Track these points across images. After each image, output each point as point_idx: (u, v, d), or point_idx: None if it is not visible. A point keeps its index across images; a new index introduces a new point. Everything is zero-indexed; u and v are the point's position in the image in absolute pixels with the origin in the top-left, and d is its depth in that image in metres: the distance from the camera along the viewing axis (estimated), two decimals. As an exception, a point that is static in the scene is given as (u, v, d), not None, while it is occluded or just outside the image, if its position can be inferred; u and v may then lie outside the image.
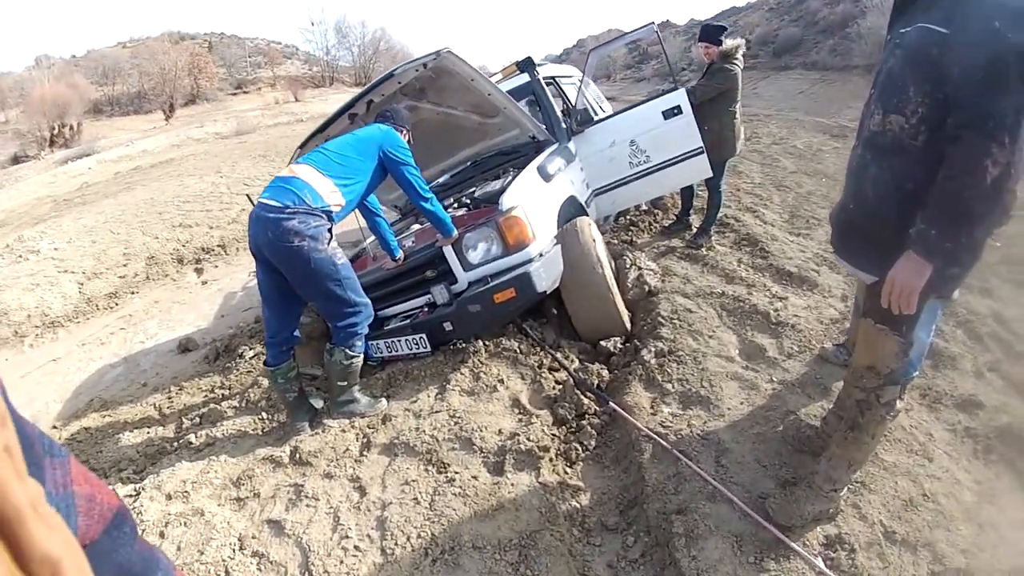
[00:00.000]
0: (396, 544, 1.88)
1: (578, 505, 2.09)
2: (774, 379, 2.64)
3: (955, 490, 2.07)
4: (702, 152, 4.02)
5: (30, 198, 11.06)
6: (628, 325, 3.25)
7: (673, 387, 2.62)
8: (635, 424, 2.32)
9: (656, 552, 1.89)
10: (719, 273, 3.89)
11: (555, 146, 3.75)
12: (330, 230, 2.54)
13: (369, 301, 2.71)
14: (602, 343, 3.13)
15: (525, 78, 4.25)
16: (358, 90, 3.35)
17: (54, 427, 3.64)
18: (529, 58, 4.12)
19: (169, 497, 2.37)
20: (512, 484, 2.08)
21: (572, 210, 3.53)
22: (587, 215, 3.69)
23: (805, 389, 2.55)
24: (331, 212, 2.54)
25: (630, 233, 5.03)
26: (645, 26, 4.18)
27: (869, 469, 2.12)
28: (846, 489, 2.00)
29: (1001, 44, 1.29)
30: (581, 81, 4.28)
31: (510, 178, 3.22)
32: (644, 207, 5.73)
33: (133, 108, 25.95)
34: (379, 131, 2.79)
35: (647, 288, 3.54)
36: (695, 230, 4.63)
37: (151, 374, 4.16)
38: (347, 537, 1.94)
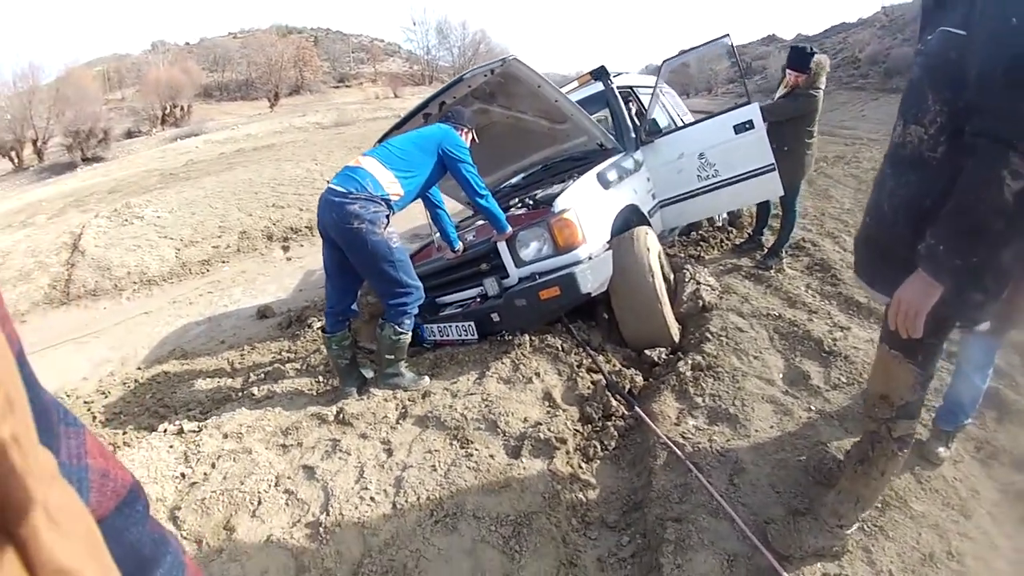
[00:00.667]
0: (407, 501, 2.08)
1: (584, 499, 2.20)
2: (812, 408, 2.60)
3: (988, 555, 1.95)
4: (773, 169, 3.97)
5: (140, 170, 12.38)
6: (676, 337, 3.30)
7: (704, 401, 2.65)
8: (654, 430, 2.40)
9: (646, 555, 1.96)
10: (782, 296, 3.86)
11: (621, 155, 3.87)
12: (388, 216, 2.83)
13: (420, 284, 2.97)
14: (647, 352, 3.19)
15: (599, 86, 4.40)
16: None
17: (138, 368, 4.16)
18: (603, 67, 4.27)
19: (226, 436, 2.71)
20: (524, 468, 2.22)
21: (633, 218, 3.63)
22: (649, 224, 3.78)
23: (843, 422, 2.50)
24: (390, 200, 2.82)
25: (700, 248, 5.05)
26: (720, 38, 4.21)
27: (894, 515, 2.06)
28: (857, 529, 1.94)
29: (1020, 42, 1.20)
30: (653, 91, 4.36)
31: (570, 182, 3.38)
32: (719, 223, 5.71)
33: (240, 95, 28.33)
34: (440, 130, 3.05)
35: (701, 303, 3.57)
36: (766, 250, 4.59)
37: (229, 333, 4.64)
38: (366, 489, 2.17)
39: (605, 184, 3.39)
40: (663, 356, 3.17)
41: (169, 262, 6.52)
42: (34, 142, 18.16)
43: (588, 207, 3.15)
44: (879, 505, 2.07)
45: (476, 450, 2.30)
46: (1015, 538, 2.05)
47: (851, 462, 1.85)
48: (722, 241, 5.16)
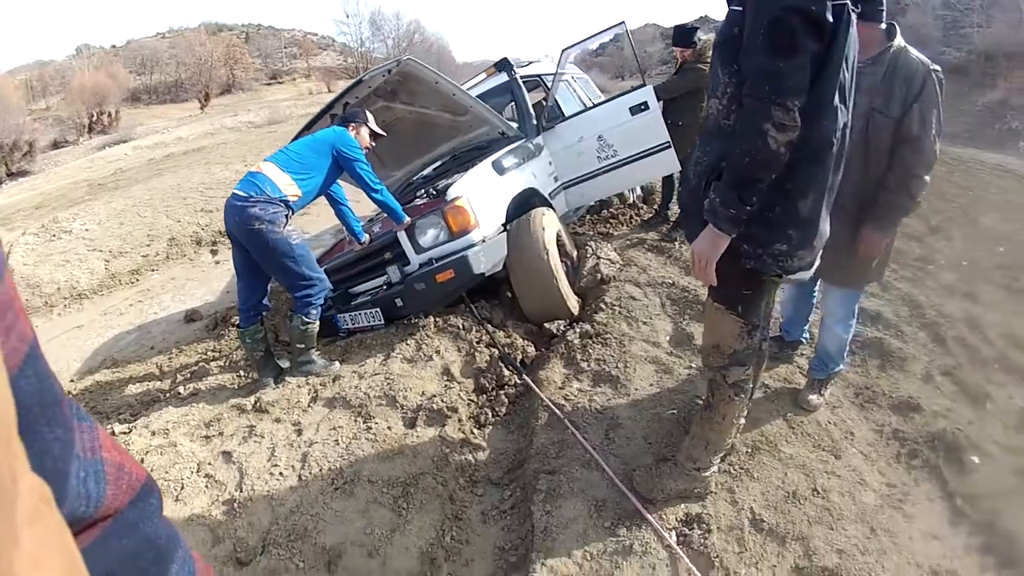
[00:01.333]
0: (311, 474, 2.37)
1: (472, 460, 2.51)
2: (693, 366, 2.89)
3: (856, 490, 2.13)
4: (669, 147, 4.31)
5: (67, 182, 12.14)
6: (575, 310, 3.60)
7: (589, 366, 2.96)
8: (538, 394, 2.73)
9: (522, 506, 2.23)
10: (680, 265, 4.25)
11: (521, 141, 4.18)
12: (287, 216, 3.08)
13: (324, 276, 3.23)
14: (546, 325, 3.51)
15: (505, 77, 4.71)
16: None
17: (71, 381, 4.30)
18: (506, 59, 4.58)
19: (153, 433, 2.94)
20: (418, 436, 2.54)
21: (534, 200, 3.94)
22: (551, 206, 4.10)
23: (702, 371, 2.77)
24: (288, 201, 3.08)
25: (609, 225, 5.42)
26: (616, 25, 4.56)
27: (762, 458, 2.24)
28: (722, 472, 2.13)
29: (779, 4, 1.36)
30: (554, 79, 4.68)
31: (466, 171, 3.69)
32: (630, 201, 6.10)
33: (170, 97, 27.56)
34: (333, 132, 3.31)
35: (600, 276, 3.91)
36: (671, 223, 4.98)
37: (159, 339, 4.80)
38: (276, 466, 2.45)
39: (500, 171, 3.68)
40: (561, 328, 3.48)
41: (99, 275, 6.55)
42: None
43: (482, 193, 3.44)
44: (747, 450, 2.29)
45: (376, 424, 2.60)
46: (887, 474, 2.26)
47: (699, 409, 2.06)
48: (631, 217, 5.54)
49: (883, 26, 2.13)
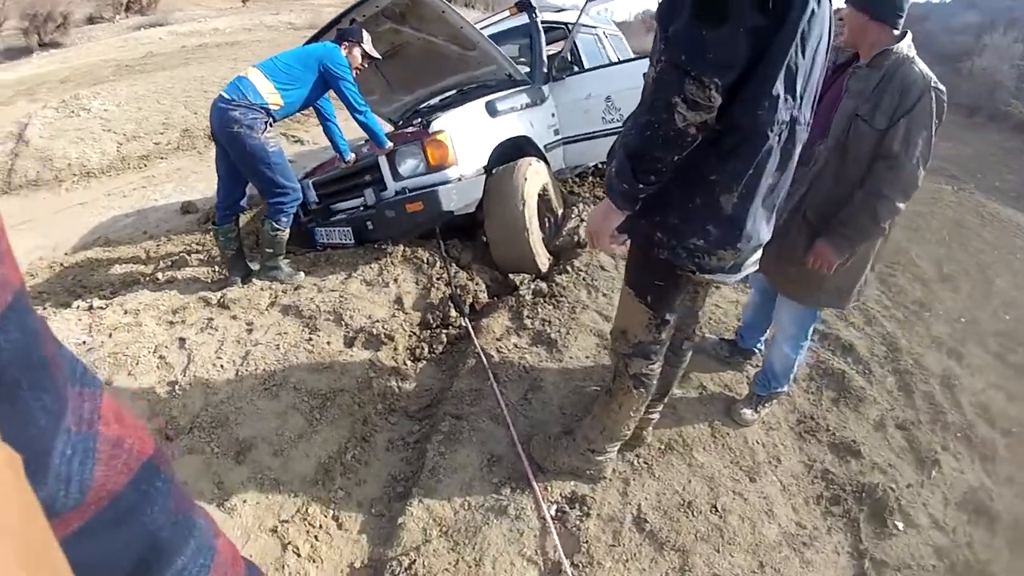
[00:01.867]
0: (247, 371, 2.60)
1: (396, 389, 2.68)
2: None
3: (760, 519, 2.07)
4: None
5: (96, 59, 12.22)
6: (544, 267, 3.64)
7: (533, 324, 3.01)
8: (472, 339, 2.88)
9: (423, 444, 2.34)
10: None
11: (526, 87, 4.21)
12: (267, 123, 3.22)
13: (297, 186, 3.40)
14: (511, 276, 3.58)
15: (525, 19, 4.68)
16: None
17: (66, 254, 4.60)
18: (528, 0, 4.54)
19: (126, 312, 3.19)
20: (352, 355, 2.74)
21: (528, 150, 4.00)
22: (544, 158, 4.16)
23: None
24: (269, 109, 3.22)
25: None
26: None
27: (671, 459, 2.23)
28: (623, 461, 2.13)
29: None
30: (572, 28, 4.63)
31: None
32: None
33: (213, -16, 27.11)
34: (323, 48, 3.40)
35: (577, 239, 4.00)
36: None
37: (153, 226, 5.06)
38: (220, 358, 2.69)
39: (492, 112, 3.72)
40: (525, 281, 3.53)
41: (110, 155, 6.79)
42: None
43: (466, 131, 3.50)
44: (660, 446, 2.28)
45: (318, 337, 2.81)
46: (800, 512, 2.17)
47: (601, 391, 2.03)
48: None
49: (896, 31, 1.95)
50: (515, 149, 3.91)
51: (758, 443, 2.42)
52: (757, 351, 2.87)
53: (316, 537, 2.01)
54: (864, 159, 1.98)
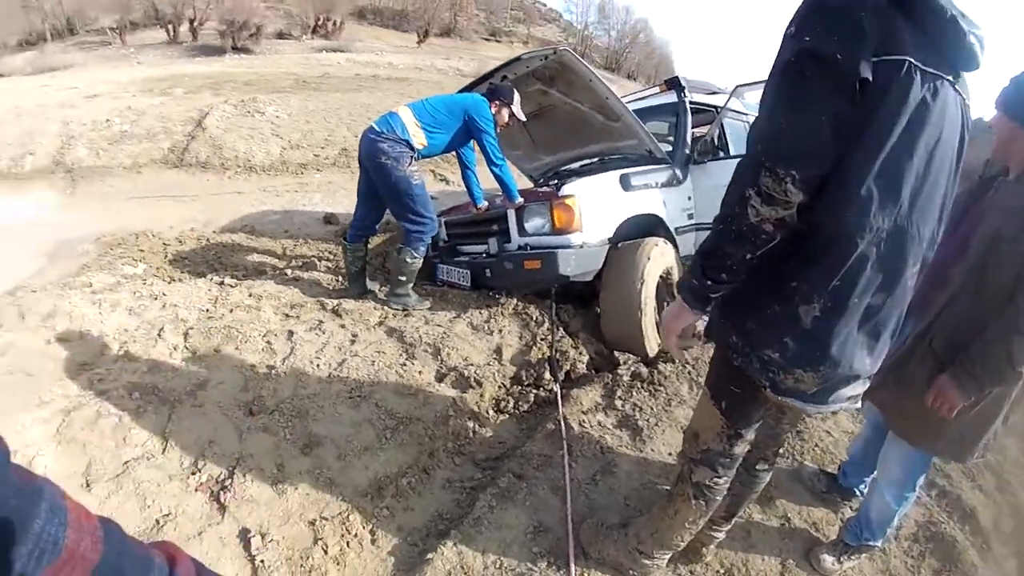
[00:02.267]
0: (339, 376, 2.74)
1: (470, 433, 2.69)
2: None
3: None
4: None
5: (279, 70, 13.84)
6: (652, 351, 3.50)
7: (623, 407, 2.92)
8: (558, 406, 2.82)
9: (477, 492, 2.34)
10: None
11: (664, 166, 4.21)
12: (412, 158, 3.46)
13: (435, 218, 3.60)
14: (616, 353, 3.50)
15: (672, 97, 4.72)
16: (604, 72, 4.01)
17: (214, 231, 5.12)
18: (677, 78, 4.57)
19: (250, 295, 3.51)
20: (437, 389, 2.79)
21: (656, 230, 3.96)
22: (674, 241, 4.08)
23: None
24: (413, 145, 3.46)
25: None
26: None
27: None
28: (668, 570, 1.97)
29: (795, 46, 1.13)
30: (719, 113, 4.59)
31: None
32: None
33: (393, 24, 30.14)
34: (472, 99, 3.62)
35: (693, 331, 3.87)
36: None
37: (295, 227, 5.53)
38: (319, 358, 2.86)
39: (626, 186, 3.74)
40: (629, 363, 3.40)
41: (272, 157, 7.57)
42: (191, 21, 20.65)
43: (596, 200, 3.54)
44: (719, 570, 2.09)
45: (412, 364, 2.91)
46: None
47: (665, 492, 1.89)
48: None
49: None
50: (645, 227, 3.89)
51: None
52: (858, 493, 2.55)
53: (348, 543, 2.04)
54: (1006, 287, 1.68)
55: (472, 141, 3.79)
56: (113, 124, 7.77)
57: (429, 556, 1.97)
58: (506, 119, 3.77)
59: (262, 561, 1.89)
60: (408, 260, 3.57)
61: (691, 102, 4.67)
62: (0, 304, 3.12)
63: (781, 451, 1.92)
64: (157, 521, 1.96)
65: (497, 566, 1.97)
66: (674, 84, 4.58)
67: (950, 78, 1.18)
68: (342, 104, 9.96)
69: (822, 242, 1.22)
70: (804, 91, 1.12)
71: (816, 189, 1.17)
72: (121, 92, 9.80)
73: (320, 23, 24.68)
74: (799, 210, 1.18)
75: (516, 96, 3.79)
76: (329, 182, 7.41)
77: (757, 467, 1.83)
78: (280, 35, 23.34)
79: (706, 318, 1.45)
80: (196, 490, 2.10)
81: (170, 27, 20.47)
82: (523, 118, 3.86)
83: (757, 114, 1.24)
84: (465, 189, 4.10)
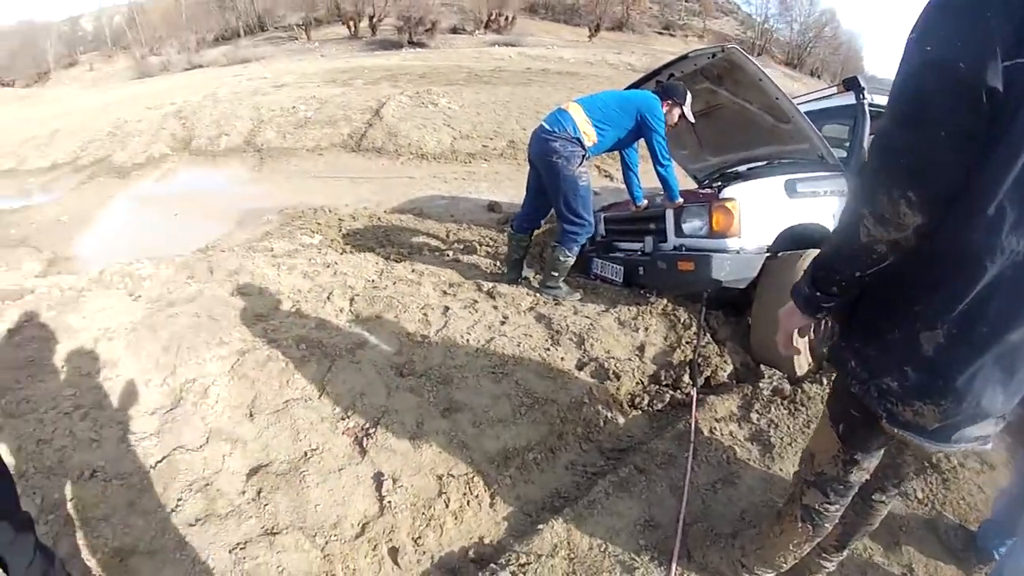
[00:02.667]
0: (485, 352, 2.96)
1: (601, 422, 2.75)
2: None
3: None
4: None
5: (452, 64, 14.76)
6: (800, 371, 3.27)
7: (758, 421, 2.83)
8: (692, 409, 2.80)
9: (597, 478, 2.41)
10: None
11: (836, 173, 3.92)
12: (583, 157, 3.56)
13: (592, 221, 3.70)
14: (762, 367, 3.36)
15: (851, 98, 4.35)
16: (784, 69, 3.89)
17: (385, 211, 5.71)
18: (855, 78, 4.19)
19: (412, 271, 3.91)
20: (576, 377, 2.91)
21: (818, 241, 3.73)
22: None
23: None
24: (584, 143, 3.54)
25: None
26: None
27: None
28: None
29: (917, 57, 1.07)
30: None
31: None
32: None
33: (564, 18, 30.54)
34: (644, 97, 3.62)
35: (809, 336, 3.61)
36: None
37: (461, 212, 5.98)
38: (470, 334, 3.10)
39: (791, 192, 3.55)
40: (773, 379, 3.23)
41: (443, 146, 8.18)
42: (370, 18, 22.60)
43: (758, 205, 3.42)
44: None
45: (556, 350, 3.05)
46: None
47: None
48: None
49: None
50: (808, 236, 3.67)
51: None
52: (996, 556, 2.21)
53: (468, 502, 2.25)
54: None
55: (638, 141, 3.83)
56: (299, 111, 8.89)
57: (540, 527, 2.11)
58: (676, 119, 3.76)
59: (389, 502, 2.16)
60: (561, 258, 3.71)
61: (871, 104, 4.26)
62: (194, 259, 3.65)
63: (903, 486, 1.74)
64: (305, 453, 2.31)
65: (601, 549, 2.06)
66: (853, 85, 4.21)
67: None
68: (512, 97, 10.43)
69: (949, 264, 1.12)
70: (923, 105, 1.05)
71: (938, 211, 1.08)
72: (306, 82, 11.15)
73: (492, 18, 25.80)
74: (921, 231, 1.10)
75: (688, 96, 3.77)
76: (496, 172, 7.85)
77: (873, 497, 1.71)
78: (454, 30, 24.78)
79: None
80: (343, 433, 2.43)
81: (351, 23, 22.67)
82: (693, 120, 3.83)
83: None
84: (626, 187, 4.15)
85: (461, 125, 8.71)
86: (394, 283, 3.61)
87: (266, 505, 2.09)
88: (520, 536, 2.15)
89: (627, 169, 4.04)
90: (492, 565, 2.00)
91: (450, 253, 4.49)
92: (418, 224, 5.34)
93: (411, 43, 21.44)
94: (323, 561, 1.96)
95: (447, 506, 2.22)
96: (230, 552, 1.92)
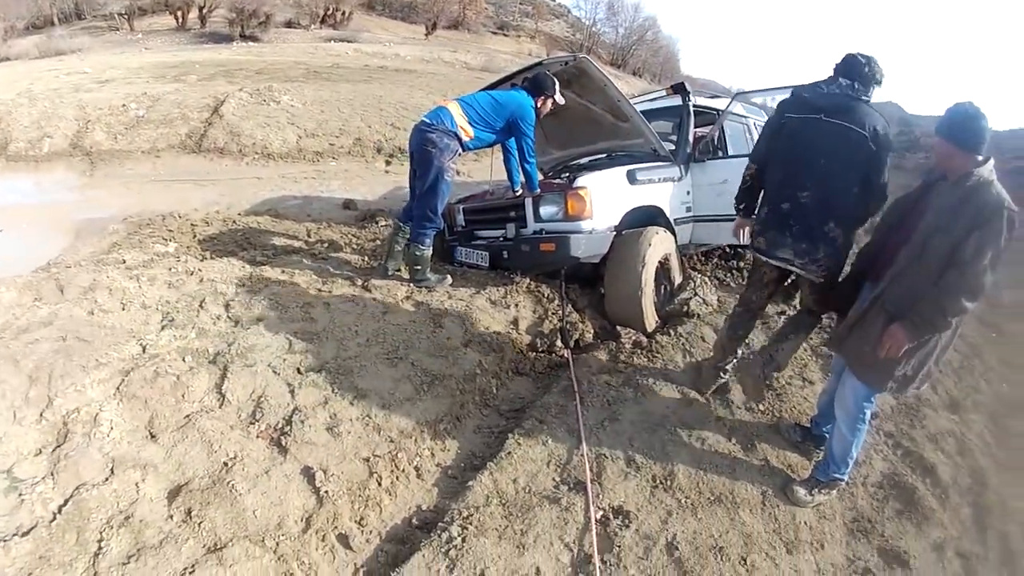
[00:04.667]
0: (376, 341, 3.16)
1: (494, 389, 3.18)
2: (715, 414, 3.15)
3: None
4: None
5: (289, 60, 14.24)
6: (650, 327, 3.95)
7: (623, 369, 3.43)
8: (570, 367, 3.31)
9: (505, 435, 2.82)
10: (767, 332, 4.49)
11: (667, 163, 4.63)
12: (457, 151, 3.84)
13: (441, 220, 3.99)
14: (619, 327, 4.01)
15: (678, 100, 5.14)
16: (609, 68, 4.38)
17: (239, 213, 5.52)
18: (683, 83, 5.01)
19: (282, 271, 3.88)
20: (464, 353, 3.23)
21: (656, 219, 4.39)
22: (672, 230, 4.53)
23: (721, 420, 3.10)
24: (460, 137, 3.82)
25: (733, 276, 5.55)
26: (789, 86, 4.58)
27: (716, 509, 2.52)
28: (667, 496, 2.52)
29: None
30: (719, 118, 5.03)
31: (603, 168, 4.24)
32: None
33: (401, 15, 30.40)
34: (518, 103, 3.95)
35: (686, 309, 4.28)
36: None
37: (316, 211, 5.93)
38: (357, 326, 3.26)
39: (632, 180, 4.19)
40: (631, 336, 3.94)
41: (289, 145, 7.97)
42: (200, 8, 20.99)
43: (605, 192, 3.98)
44: (709, 496, 2.57)
45: (441, 331, 3.34)
46: None
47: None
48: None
49: (980, 157, 2.28)
50: (647, 217, 4.31)
51: (805, 524, 2.60)
52: (826, 437, 2.97)
53: (397, 477, 2.50)
54: (939, 264, 2.30)
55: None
56: (130, 109, 8.16)
57: (470, 484, 2.45)
58: (549, 107, 4.15)
59: (326, 492, 2.30)
60: (418, 253, 3.95)
61: (694, 105, 5.08)
62: (37, 279, 3.29)
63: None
64: (225, 463, 2.30)
65: (527, 490, 2.47)
66: (680, 89, 5.02)
67: None
68: (354, 95, 10.35)
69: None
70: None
71: None
72: (134, 78, 10.21)
73: (329, 13, 24.98)
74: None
75: (556, 84, 4.15)
76: (346, 170, 7.82)
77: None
78: (288, 24, 23.62)
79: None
80: (258, 436, 2.47)
81: (179, 14, 20.80)
82: (563, 101, 4.24)
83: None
84: (504, 176, 4.47)
85: (306, 123, 8.54)
86: (267, 285, 3.61)
87: (200, 523, 2.06)
88: (453, 496, 2.46)
89: (507, 154, 4.29)
90: (440, 523, 2.28)
91: (316, 252, 4.53)
92: (276, 225, 5.25)
93: (243, 36, 20.07)
94: (278, 563, 2.02)
95: (380, 485, 2.43)
96: (180, 581, 1.87)
